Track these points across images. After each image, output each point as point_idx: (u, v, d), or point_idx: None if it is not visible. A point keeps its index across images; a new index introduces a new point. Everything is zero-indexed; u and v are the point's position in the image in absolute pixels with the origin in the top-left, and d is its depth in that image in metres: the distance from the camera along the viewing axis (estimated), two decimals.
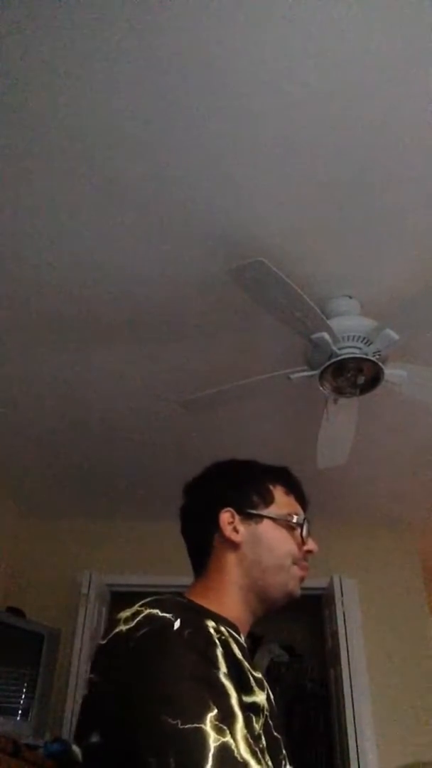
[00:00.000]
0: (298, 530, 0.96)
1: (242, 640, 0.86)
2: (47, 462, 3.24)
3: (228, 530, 0.93)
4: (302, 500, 1.02)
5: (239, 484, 0.99)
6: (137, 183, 1.74)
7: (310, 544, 0.97)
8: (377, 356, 1.99)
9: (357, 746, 2.95)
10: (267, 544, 0.93)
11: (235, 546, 0.93)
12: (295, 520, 0.96)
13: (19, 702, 2.73)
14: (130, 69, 1.46)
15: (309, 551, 0.97)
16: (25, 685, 2.78)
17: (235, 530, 0.93)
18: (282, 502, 0.97)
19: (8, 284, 2.09)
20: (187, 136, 1.61)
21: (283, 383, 2.12)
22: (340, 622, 3.28)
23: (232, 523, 0.94)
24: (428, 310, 1.86)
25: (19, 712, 2.72)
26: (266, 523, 0.94)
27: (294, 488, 1.01)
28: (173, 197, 1.78)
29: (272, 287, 1.75)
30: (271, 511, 0.95)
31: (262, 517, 0.95)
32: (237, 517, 0.94)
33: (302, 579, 0.96)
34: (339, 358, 1.97)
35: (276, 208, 1.81)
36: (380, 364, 2.00)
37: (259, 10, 1.35)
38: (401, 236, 1.91)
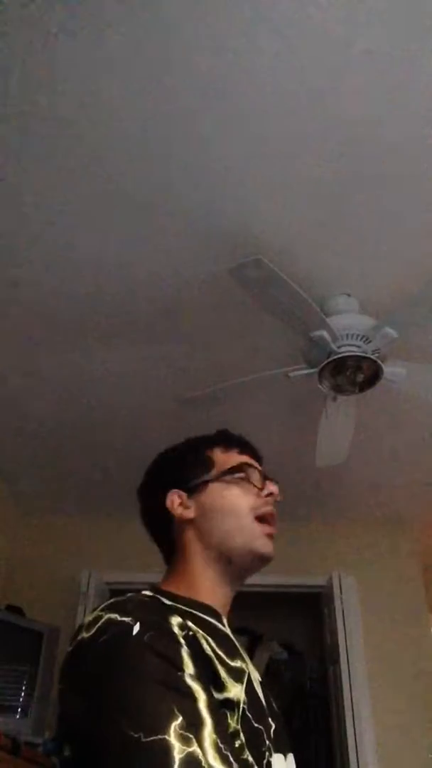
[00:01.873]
0: (247, 478, 0.92)
1: (223, 626, 0.83)
2: (47, 461, 3.24)
3: (178, 511, 0.92)
4: (248, 451, 0.98)
5: (175, 462, 0.98)
6: (137, 183, 1.74)
7: (268, 486, 0.93)
8: (376, 354, 1.99)
9: (356, 744, 2.95)
10: (218, 507, 0.91)
11: (191, 523, 0.91)
12: (239, 470, 0.92)
13: (19, 700, 2.73)
14: (129, 69, 1.46)
15: (269, 494, 0.92)
16: (25, 683, 2.78)
17: (186, 507, 0.92)
18: (223, 462, 0.94)
19: (8, 284, 2.09)
20: (187, 135, 1.61)
21: (282, 381, 2.12)
22: (339, 620, 3.28)
23: (181, 503, 0.92)
24: (427, 307, 1.86)
25: (19, 710, 2.72)
26: (211, 487, 0.92)
27: (234, 442, 0.98)
28: (173, 197, 1.78)
29: (271, 285, 1.76)
30: (212, 474, 0.93)
31: (205, 483, 0.92)
32: (184, 495, 0.93)
33: (270, 536, 0.90)
34: (338, 356, 1.97)
35: (275, 206, 1.81)
36: (379, 362, 2.00)
37: (260, 9, 1.35)
38: (400, 235, 1.91)
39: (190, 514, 0.91)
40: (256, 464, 0.96)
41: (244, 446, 0.98)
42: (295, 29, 1.39)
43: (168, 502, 0.93)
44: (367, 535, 3.72)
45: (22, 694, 2.75)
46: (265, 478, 0.94)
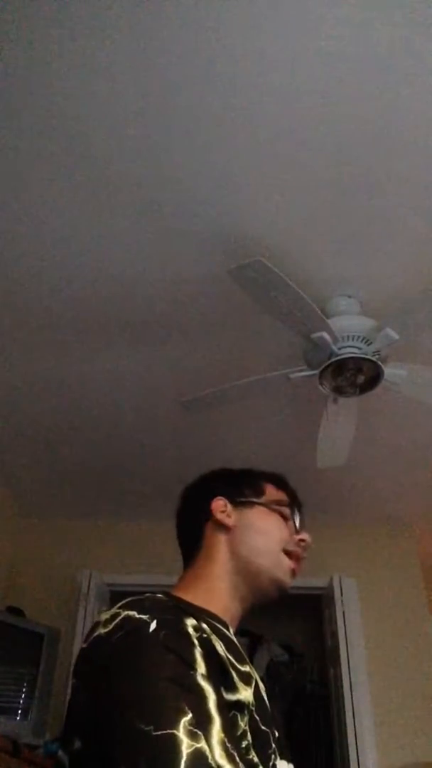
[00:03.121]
0: (291, 519, 0.98)
1: (230, 633, 0.85)
2: (47, 461, 3.24)
3: (220, 516, 0.96)
4: (294, 499, 1.03)
5: (231, 478, 1.03)
6: (137, 183, 1.74)
7: (303, 534, 0.98)
8: (377, 356, 1.99)
9: (357, 746, 2.94)
10: (258, 527, 0.96)
11: (227, 529, 0.96)
12: (287, 507, 0.99)
13: (19, 702, 2.73)
14: (129, 68, 1.46)
15: (302, 540, 0.98)
16: (25, 684, 2.78)
17: (228, 515, 0.97)
18: (273, 494, 1.00)
19: (8, 285, 2.09)
20: (187, 136, 1.61)
21: (283, 383, 2.12)
22: (339, 621, 3.27)
23: (225, 510, 0.97)
24: (428, 309, 1.86)
25: (19, 711, 2.72)
26: (258, 508, 0.98)
27: (286, 487, 1.04)
28: (173, 197, 1.78)
29: (272, 287, 1.75)
30: (263, 499, 0.99)
31: (253, 503, 0.98)
32: (229, 505, 0.98)
33: (294, 572, 0.95)
34: (339, 357, 1.97)
35: (276, 207, 1.81)
36: (380, 363, 2.00)
37: (260, 9, 1.35)
38: (401, 236, 1.91)
39: (229, 521, 0.96)
40: (301, 513, 1.02)
41: (295, 496, 1.04)
42: (295, 29, 1.39)
43: (213, 504, 0.97)
44: (367, 537, 3.72)
45: (23, 695, 2.75)
46: (302, 524, 1.00)
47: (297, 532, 0.98)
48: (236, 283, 1.78)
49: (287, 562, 0.94)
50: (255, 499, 0.98)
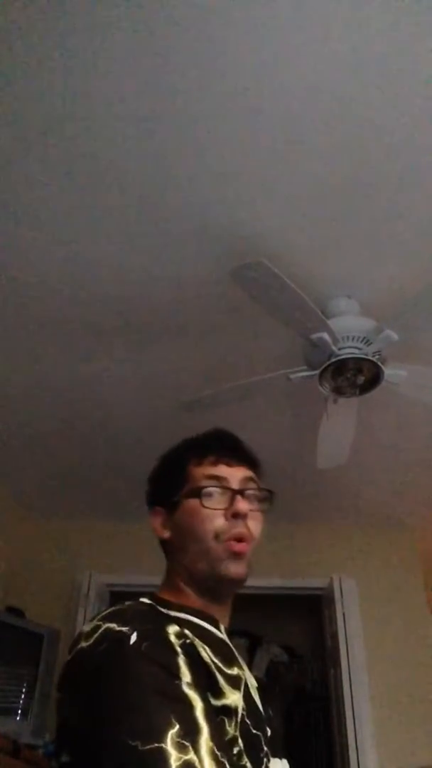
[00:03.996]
0: (215, 496, 0.87)
1: (220, 632, 0.84)
2: (47, 462, 3.24)
3: (159, 530, 0.92)
4: (224, 457, 0.91)
5: (160, 477, 0.96)
6: (136, 183, 1.74)
7: (237, 505, 0.86)
8: (377, 356, 1.99)
9: (357, 746, 2.95)
10: (186, 528, 0.87)
11: (169, 542, 0.91)
12: (203, 491, 0.87)
13: (19, 702, 2.73)
14: (129, 68, 1.46)
15: (235, 514, 0.86)
16: (25, 685, 2.78)
17: (164, 527, 0.91)
18: (195, 476, 0.90)
19: (8, 285, 2.09)
20: (187, 136, 1.61)
21: (283, 383, 2.12)
22: (339, 622, 3.28)
23: (162, 521, 0.92)
24: (428, 310, 1.86)
25: (19, 711, 2.72)
26: (183, 505, 0.89)
27: (206, 451, 0.92)
28: (174, 198, 1.78)
29: (272, 287, 1.75)
30: (186, 490, 0.89)
31: (177, 503, 0.90)
32: (165, 513, 0.92)
33: (236, 554, 0.85)
34: (339, 358, 1.97)
35: (276, 208, 1.81)
36: (380, 364, 2.00)
37: (260, 9, 1.35)
38: (401, 236, 1.91)
39: (166, 534, 0.91)
40: (225, 477, 0.89)
41: (220, 452, 0.92)
42: (295, 29, 1.39)
43: (151, 521, 0.93)
44: (367, 538, 3.72)
45: (23, 696, 2.75)
46: (234, 492, 0.88)
47: (226, 507, 0.86)
48: (237, 284, 1.78)
49: (222, 552, 0.85)
50: (180, 496, 0.89)
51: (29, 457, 3.19)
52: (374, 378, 2.05)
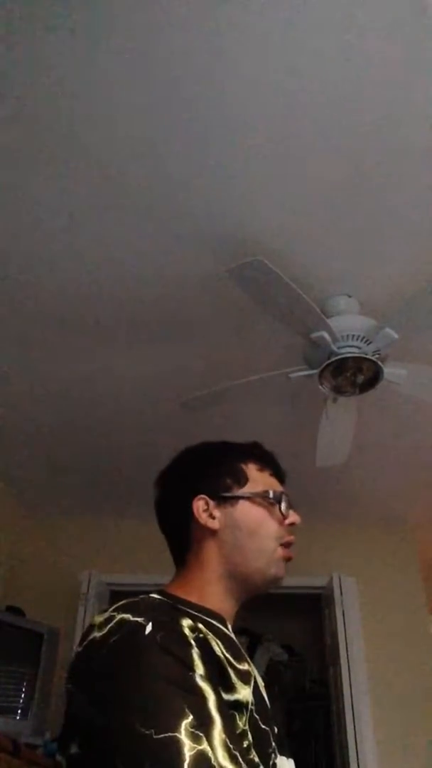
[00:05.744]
0: (277, 506, 0.92)
1: (228, 630, 0.84)
2: (47, 462, 3.24)
3: (204, 518, 0.89)
4: (278, 473, 0.98)
5: (210, 468, 0.95)
6: (137, 183, 1.74)
7: (292, 517, 0.94)
8: (377, 355, 1.99)
9: (356, 746, 2.95)
10: (246, 526, 0.90)
11: (213, 533, 0.89)
12: (272, 496, 0.92)
13: (19, 701, 2.73)
14: (129, 69, 1.46)
15: (291, 524, 0.94)
16: (25, 684, 2.78)
17: (212, 516, 0.90)
18: (256, 480, 0.94)
19: (7, 285, 2.09)
20: (187, 136, 1.61)
21: (283, 382, 2.12)
22: (339, 621, 3.28)
23: (207, 510, 0.90)
24: (427, 309, 1.86)
25: (19, 711, 2.72)
26: (243, 504, 0.91)
27: (267, 462, 0.98)
28: (173, 197, 1.78)
29: (271, 286, 1.75)
30: (246, 490, 0.92)
31: (237, 498, 0.91)
32: (211, 502, 0.90)
33: (287, 559, 0.92)
34: (338, 357, 1.97)
35: (275, 207, 1.81)
36: (379, 363, 2.00)
37: (260, 11, 1.35)
38: (400, 235, 1.91)
39: (215, 524, 0.90)
40: (285, 492, 0.96)
41: (276, 468, 0.99)
42: (297, 31, 1.39)
43: (194, 507, 0.90)
44: (367, 536, 3.73)
45: (22, 695, 2.75)
46: (289, 506, 0.95)
47: (285, 516, 0.93)
48: (236, 283, 1.78)
49: (280, 555, 0.91)
50: (239, 493, 0.91)
51: (29, 456, 3.19)
52: (374, 377, 2.05)
